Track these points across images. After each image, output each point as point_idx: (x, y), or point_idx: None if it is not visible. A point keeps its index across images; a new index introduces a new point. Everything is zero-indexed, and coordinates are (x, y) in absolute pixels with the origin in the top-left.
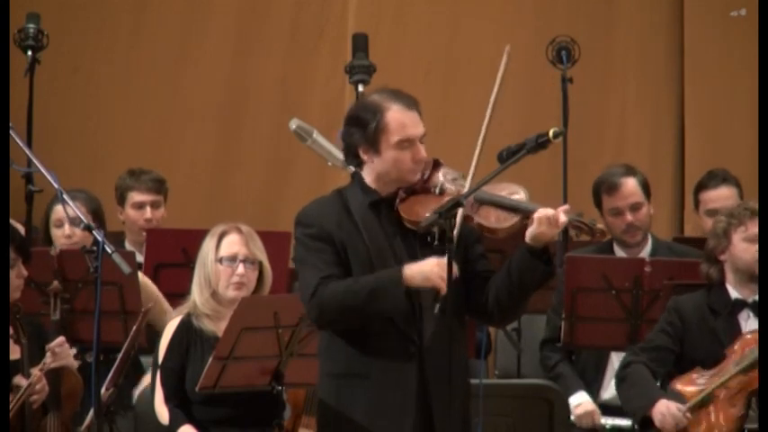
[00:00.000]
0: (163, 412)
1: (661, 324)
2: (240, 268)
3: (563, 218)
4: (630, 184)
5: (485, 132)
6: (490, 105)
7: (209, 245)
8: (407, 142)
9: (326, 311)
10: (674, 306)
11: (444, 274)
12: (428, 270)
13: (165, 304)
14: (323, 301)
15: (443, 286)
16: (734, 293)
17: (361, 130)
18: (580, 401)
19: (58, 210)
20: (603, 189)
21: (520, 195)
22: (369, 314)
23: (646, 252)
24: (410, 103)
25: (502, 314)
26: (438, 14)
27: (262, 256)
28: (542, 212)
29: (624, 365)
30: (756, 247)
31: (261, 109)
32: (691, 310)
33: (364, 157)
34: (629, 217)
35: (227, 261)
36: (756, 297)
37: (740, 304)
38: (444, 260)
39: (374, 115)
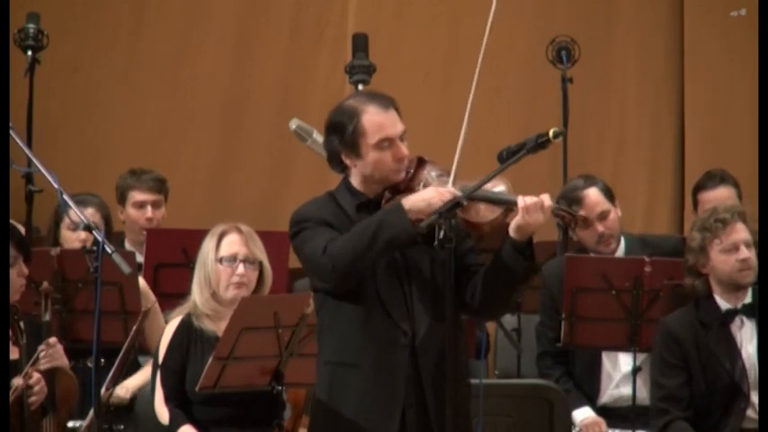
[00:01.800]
0: (163, 412)
1: (662, 356)
2: (240, 268)
3: (548, 201)
4: (593, 194)
5: (473, 97)
6: (479, 59)
7: (209, 245)
8: (387, 142)
9: (339, 260)
10: (666, 330)
11: (444, 198)
12: (429, 195)
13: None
14: (334, 251)
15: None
16: (723, 305)
17: (340, 136)
18: (586, 415)
19: (72, 213)
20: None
21: (501, 188)
22: (380, 249)
23: (620, 254)
24: (386, 102)
25: (488, 309)
26: (438, 14)
27: (262, 255)
28: (528, 201)
29: (663, 429)
30: (734, 256)
31: (261, 109)
32: (682, 329)
33: (347, 161)
34: (600, 227)
35: (227, 261)
36: (746, 300)
37: (731, 314)
38: (445, 189)
39: (351, 119)
